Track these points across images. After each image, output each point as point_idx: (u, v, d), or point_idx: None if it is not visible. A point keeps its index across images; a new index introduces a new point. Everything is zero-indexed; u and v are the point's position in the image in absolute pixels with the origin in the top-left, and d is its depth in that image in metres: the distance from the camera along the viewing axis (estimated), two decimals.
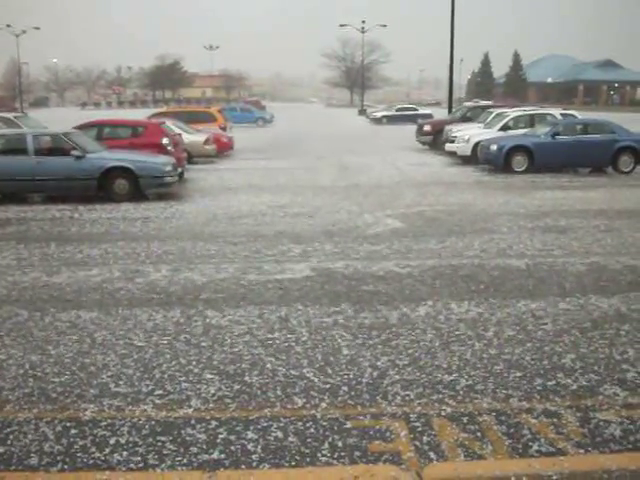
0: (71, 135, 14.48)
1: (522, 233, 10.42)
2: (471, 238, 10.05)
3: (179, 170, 15.79)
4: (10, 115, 22.36)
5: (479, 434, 4.31)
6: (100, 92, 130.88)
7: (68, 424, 4.44)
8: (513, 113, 22.54)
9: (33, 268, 8.46)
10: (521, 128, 20.87)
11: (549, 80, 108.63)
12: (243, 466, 3.94)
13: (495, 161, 18.72)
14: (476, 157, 20.08)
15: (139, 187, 13.92)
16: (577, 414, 4.54)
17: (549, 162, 18.42)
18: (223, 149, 23.64)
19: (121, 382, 5.06)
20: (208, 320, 6.41)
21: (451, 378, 5.12)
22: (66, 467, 3.94)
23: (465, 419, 4.49)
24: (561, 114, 22.36)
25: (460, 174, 18.84)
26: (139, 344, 5.81)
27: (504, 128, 21.00)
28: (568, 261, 8.61)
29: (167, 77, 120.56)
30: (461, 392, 4.89)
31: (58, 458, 4.03)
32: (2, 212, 12.83)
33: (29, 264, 8.70)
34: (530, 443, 4.19)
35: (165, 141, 16.62)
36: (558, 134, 18.29)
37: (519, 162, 18.29)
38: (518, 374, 5.16)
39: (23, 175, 13.71)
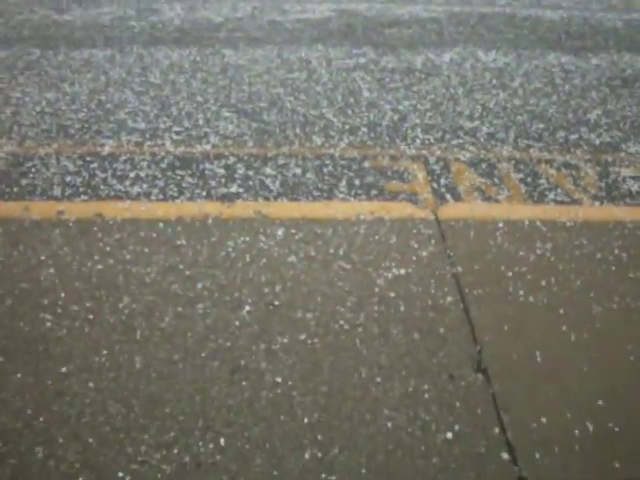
0: None
1: None
2: None
3: None
4: None
5: (496, 180, 4.29)
6: None
7: (88, 158, 4.45)
8: None
9: (42, 6, 8.09)
10: None
11: None
12: (261, 199, 4.00)
13: None
14: None
15: None
16: (597, 168, 4.49)
17: None
18: None
19: (138, 119, 5.01)
20: (226, 59, 6.20)
21: (473, 125, 5.02)
22: (87, 198, 4.02)
23: (484, 165, 4.46)
24: None
25: None
26: (155, 82, 5.68)
27: None
28: (606, 16, 8.09)
29: None
30: (482, 139, 4.82)
31: (80, 190, 4.08)
32: None
33: (38, 1, 8.31)
34: (547, 192, 4.18)
35: None
36: None
37: None
38: (541, 125, 5.05)
39: None
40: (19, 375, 2.60)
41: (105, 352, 2.72)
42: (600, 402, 2.57)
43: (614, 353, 2.82)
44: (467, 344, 2.83)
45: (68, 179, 4.19)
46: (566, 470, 2.32)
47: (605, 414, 2.52)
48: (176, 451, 2.33)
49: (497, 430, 2.45)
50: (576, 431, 2.45)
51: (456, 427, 2.45)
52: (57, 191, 4.06)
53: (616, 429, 2.46)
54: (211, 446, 2.35)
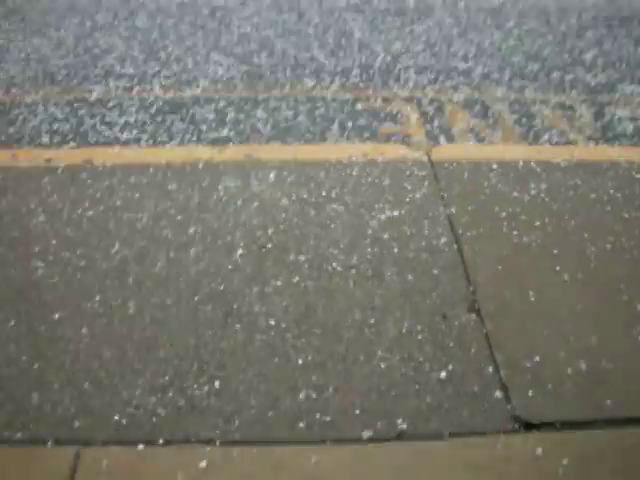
0: None
1: None
2: None
3: None
4: None
5: (491, 121, 4.26)
6: None
7: (76, 105, 4.39)
8: None
9: None
10: None
11: None
12: (252, 143, 3.95)
13: None
14: None
15: None
16: (592, 109, 4.45)
17: None
18: None
19: (126, 63, 4.93)
20: (214, 1, 6.06)
21: (467, 66, 4.96)
22: (76, 144, 3.96)
23: (478, 106, 4.43)
24: None
25: None
26: (143, 26, 5.56)
27: None
28: None
29: None
30: (476, 80, 4.77)
31: (69, 137, 4.03)
32: None
33: None
34: (541, 133, 4.15)
35: None
36: None
37: None
38: (536, 66, 4.99)
39: None
40: (12, 323, 2.60)
41: (98, 298, 2.71)
42: (593, 341, 2.58)
43: (607, 292, 2.82)
44: (461, 284, 2.82)
45: (56, 126, 4.14)
46: (559, 408, 2.34)
47: (598, 353, 2.53)
48: (171, 394, 2.34)
49: (490, 369, 2.46)
50: (569, 369, 2.46)
51: (450, 367, 2.46)
52: (45, 138, 4.01)
53: (609, 367, 2.48)
54: (206, 389, 2.36)
